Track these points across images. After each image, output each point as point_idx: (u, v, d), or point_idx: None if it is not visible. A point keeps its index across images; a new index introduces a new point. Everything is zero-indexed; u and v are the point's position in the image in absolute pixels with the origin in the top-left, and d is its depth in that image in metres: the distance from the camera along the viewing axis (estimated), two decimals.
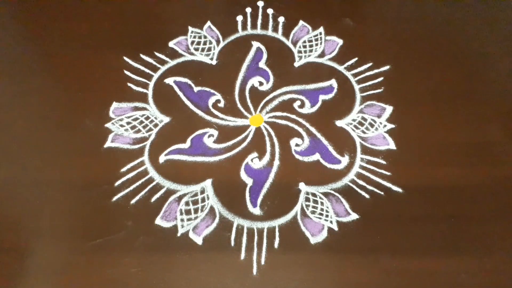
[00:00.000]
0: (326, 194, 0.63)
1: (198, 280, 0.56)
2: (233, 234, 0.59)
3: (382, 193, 0.62)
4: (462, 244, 0.58)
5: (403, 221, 0.60)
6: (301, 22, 0.81)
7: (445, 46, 0.78)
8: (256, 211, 0.61)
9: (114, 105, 0.71)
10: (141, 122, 0.69)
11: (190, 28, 0.80)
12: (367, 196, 0.62)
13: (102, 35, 0.78)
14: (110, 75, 0.74)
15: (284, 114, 0.70)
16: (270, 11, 0.82)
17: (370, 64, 0.75)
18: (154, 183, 0.63)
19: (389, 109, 0.70)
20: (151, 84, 0.73)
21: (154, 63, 0.76)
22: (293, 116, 0.70)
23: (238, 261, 0.57)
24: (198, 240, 0.59)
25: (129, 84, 0.73)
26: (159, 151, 0.66)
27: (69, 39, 0.78)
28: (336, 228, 0.60)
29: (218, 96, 0.72)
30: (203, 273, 0.56)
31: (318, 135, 0.68)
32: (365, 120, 0.69)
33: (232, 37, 0.79)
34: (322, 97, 0.72)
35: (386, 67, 0.75)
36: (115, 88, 0.73)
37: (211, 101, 0.72)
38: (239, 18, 0.81)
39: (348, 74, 0.74)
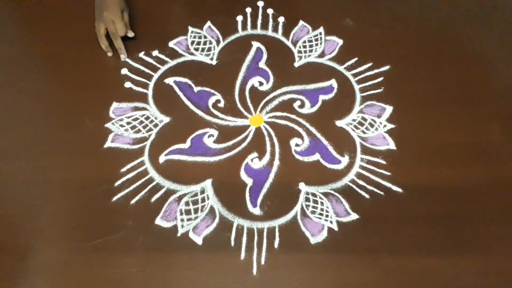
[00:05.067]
0: (326, 194, 0.63)
1: (198, 280, 0.56)
2: (233, 234, 0.59)
3: (382, 193, 0.62)
4: (462, 244, 0.58)
5: (403, 221, 0.60)
6: (301, 22, 0.81)
7: (445, 46, 0.78)
8: (256, 211, 0.61)
9: (114, 105, 0.71)
10: (141, 122, 0.69)
11: (190, 28, 0.80)
12: (367, 196, 0.62)
13: None
14: (110, 75, 0.74)
15: (284, 114, 0.70)
16: (270, 11, 0.82)
17: (370, 64, 0.75)
18: (154, 183, 0.63)
19: (389, 109, 0.70)
20: (151, 84, 0.73)
21: (154, 63, 0.76)
22: (293, 116, 0.70)
23: (238, 261, 0.57)
24: (198, 240, 0.59)
25: (129, 84, 0.73)
26: (159, 151, 0.66)
27: (69, 39, 0.78)
28: (336, 228, 0.60)
29: (218, 96, 0.72)
30: (203, 273, 0.56)
31: (318, 135, 0.68)
32: (365, 120, 0.69)
33: (232, 37, 0.79)
34: (322, 97, 0.72)
35: (386, 67, 0.75)
36: (115, 88, 0.73)
37: (211, 101, 0.72)
38: (239, 18, 0.81)
39: (348, 74, 0.74)
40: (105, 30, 0.74)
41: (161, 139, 0.68)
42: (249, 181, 0.64)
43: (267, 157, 0.66)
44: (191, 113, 0.70)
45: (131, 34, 0.75)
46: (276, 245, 0.58)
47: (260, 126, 0.69)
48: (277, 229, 0.60)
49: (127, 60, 0.76)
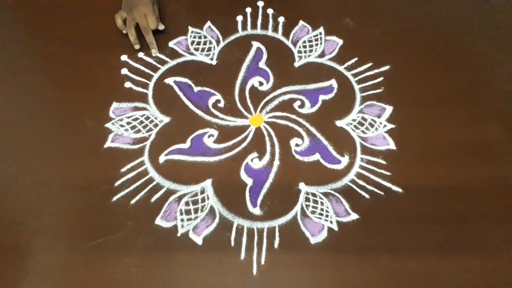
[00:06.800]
0: (326, 194, 0.63)
1: (198, 280, 0.56)
2: (233, 234, 0.59)
3: (382, 193, 0.62)
4: (462, 244, 0.58)
5: (403, 221, 0.60)
6: (301, 22, 0.81)
7: (444, 46, 0.78)
8: (256, 211, 0.61)
9: (114, 105, 0.71)
10: (141, 122, 0.69)
11: (190, 28, 0.80)
12: (367, 196, 0.62)
13: (102, 35, 0.78)
14: (110, 75, 0.74)
15: (284, 114, 0.70)
16: (270, 11, 0.82)
17: (370, 64, 0.75)
18: (154, 183, 0.63)
19: (389, 109, 0.70)
20: (151, 84, 0.73)
21: (154, 63, 0.76)
22: (293, 116, 0.70)
23: (238, 261, 0.57)
24: (198, 240, 0.59)
25: (129, 84, 0.73)
26: (159, 151, 0.66)
27: (69, 39, 0.78)
28: (336, 228, 0.60)
29: (218, 96, 0.72)
30: (203, 273, 0.56)
31: (318, 135, 0.68)
32: (365, 120, 0.69)
33: (232, 37, 0.79)
34: (322, 97, 0.72)
35: (386, 67, 0.75)
36: (115, 88, 0.73)
37: (211, 101, 0.72)
38: (239, 18, 0.81)
39: (348, 74, 0.74)
40: (135, 23, 0.74)
41: (161, 139, 0.68)
42: (249, 181, 0.64)
43: (267, 157, 0.66)
44: (191, 113, 0.70)
45: (161, 26, 0.75)
46: (276, 245, 0.58)
47: (260, 126, 0.69)
48: (277, 229, 0.60)
49: (127, 60, 0.76)
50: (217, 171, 0.65)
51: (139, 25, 0.74)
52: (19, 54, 0.77)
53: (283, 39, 0.79)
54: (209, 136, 0.68)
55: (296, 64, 0.76)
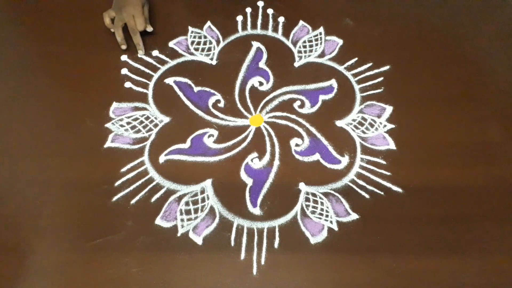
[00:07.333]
0: (326, 194, 0.63)
1: (198, 280, 0.56)
2: (233, 234, 0.59)
3: (382, 193, 0.62)
4: (462, 244, 0.58)
5: (403, 221, 0.60)
6: (301, 22, 0.81)
7: (445, 46, 0.78)
8: (256, 211, 0.61)
9: (114, 105, 0.71)
10: (141, 122, 0.69)
11: (190, 28, 0.80)
12: (367, 196, 0.62)
13: (102, 35, 0.78)
14: (110, 75, 0.74)
15: (284, 114, 0.70)
16: (270, 11, 0.82)
17: (370, 64, 0.75)
18: (154, 183, 0.63)
19: (389, 109, 0.70)
20: (151, 84, 0.73)
21: (154, 63, 0.76)
22: (293, 116, 0.70)
23: (238, 261, 0.57)
24: (198, 240, 0.59)
25: (129, 84, 0.73)
26: (159, 151, 0.66)
27: (69, 39, 0.78)
28: (336, 228, 0.60)
29: (218, 96, 0.72)
30: (203, 273, 0.56)
31: (318, 135, 0.68)
32: (365, 120, 0.69)
33: (232, 37, 0.79)
34: (322, 97, 0.72)
35: (386, 67, 0.75)
36: (115, 88, 0.73)
37: (211, 101, 0.72)
38: (239, 18, 0.81)
39: (348, 74, 0.74)
40: (123, 24, 0.74)
41: (161, 139, 0.68)
42: (249, 181, 0.64)
43: (267, 157, 0.66)
44: (191, 113, 0.70)
45: (149, 28, 0.75)
46: (276, 245, 0.58)
47: (260, 126, 0.69)
48: (277, 229, 0.60)
49: (127, 60, 0.76)
50: (217, 171, 0.65)
51: (127, 26, 0.74)
52: (19, 55, 0.77)
53: (283, 39, 0.79)
54: (209, 136, 0.68)
55: (296, 64, 0.76)
